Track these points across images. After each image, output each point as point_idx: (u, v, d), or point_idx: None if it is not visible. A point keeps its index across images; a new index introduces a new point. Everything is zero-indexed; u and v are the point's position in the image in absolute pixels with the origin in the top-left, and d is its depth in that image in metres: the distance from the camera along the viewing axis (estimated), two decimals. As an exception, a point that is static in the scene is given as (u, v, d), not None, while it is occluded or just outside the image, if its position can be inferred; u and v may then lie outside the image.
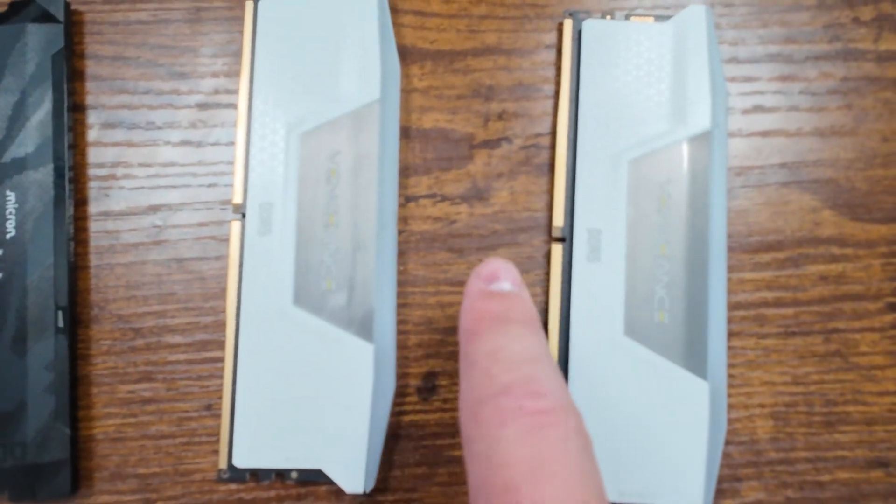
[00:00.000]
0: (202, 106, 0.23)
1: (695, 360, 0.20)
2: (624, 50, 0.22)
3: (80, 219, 0.22)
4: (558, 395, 0.15)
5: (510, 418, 0.14)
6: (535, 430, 0.14)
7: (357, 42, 0.22)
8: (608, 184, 0.21)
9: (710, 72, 0.21)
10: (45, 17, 0.23)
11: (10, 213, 0.22)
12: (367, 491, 0.20)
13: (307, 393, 0.21)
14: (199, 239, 0.22)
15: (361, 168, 0.21)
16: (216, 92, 0.23)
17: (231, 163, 0.23)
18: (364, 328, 0.21)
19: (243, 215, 0.22)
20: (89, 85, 0.23)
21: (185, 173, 0.23)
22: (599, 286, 0.21)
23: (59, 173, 0.22)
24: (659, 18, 0.22)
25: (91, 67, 0.23)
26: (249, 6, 0.23)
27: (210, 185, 0.23)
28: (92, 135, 0.23)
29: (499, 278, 0.17)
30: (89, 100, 0.23)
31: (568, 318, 0.21)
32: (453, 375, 0.21)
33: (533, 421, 0.14)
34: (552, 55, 0.23)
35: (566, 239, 0.21)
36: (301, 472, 0.20)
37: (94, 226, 0.23)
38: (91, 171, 0.23)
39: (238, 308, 0.21)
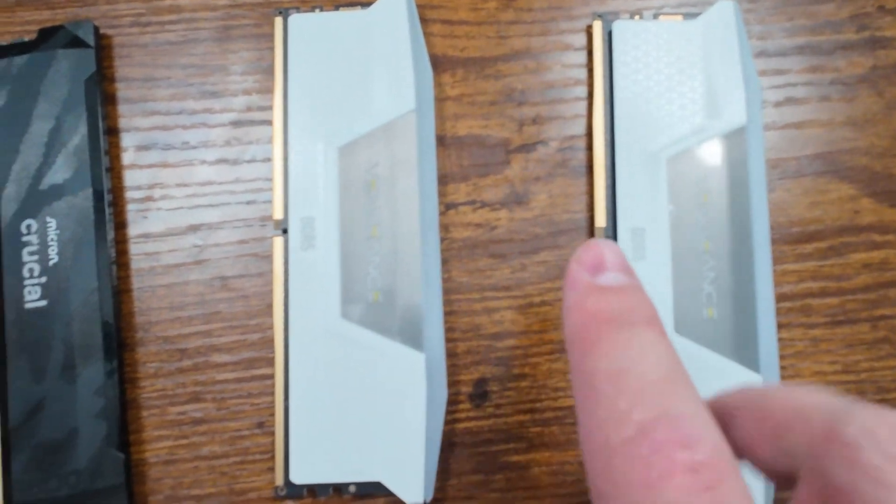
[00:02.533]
0: (236, 123, 0.23)
1: (746, 354, 0.20)
2: (654, 49, 0.22)
3: (120, 242, 0.22)
4: (712, 435, 0.11)
5: (660, 477, 0.11)
6: (700, 493, 0.11)
7: (389, 53, 0.22)
8: (648, 183, 0.21)
9: (742, 67, 0.22)
10: (75, 43, 0.23)
11: (52, 240, 0.22)
12: (427, 501, 0.20)
13: (360, 405, 0.21)
14: (240, 256, 0.22)
15: (401, 177, 0.21)
16: (249, 109, 0.23)
17: (268, 179, 0.23)
18: (413, 337, 0.21)
19: (284, 231, 0.22)
20: (121, 108, 0.23)
21: (223, 191, 0.23)
22: (647, 284, 0.21)
23: (98, 197, 0.22)
24: (687, 16, 0.23)
25: (122, 90, 0.23)
26: (279, 22, 0.23)
27: (248, 203, 0.23)
28: (127, 157, 0.23)
29: (606, 267, 0.14)
30: (122, 123, 0.23)
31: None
32: (504, 381, 0.21)
33: (693, 481, 0.11)
34: (582, 57, 0.23)
35: (609, 238, 0.21)
36: (359, 485, 0.20)
37: (133, 248, 0.22)
38: (128, 194, 0.23)
39: (286, 324, 0.21)
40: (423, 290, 0.21)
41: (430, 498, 0.20)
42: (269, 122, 0.23)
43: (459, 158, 0.23)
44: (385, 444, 0.20)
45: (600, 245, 0.14)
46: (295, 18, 0.23)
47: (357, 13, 0.23)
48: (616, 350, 0.13)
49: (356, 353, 0.21)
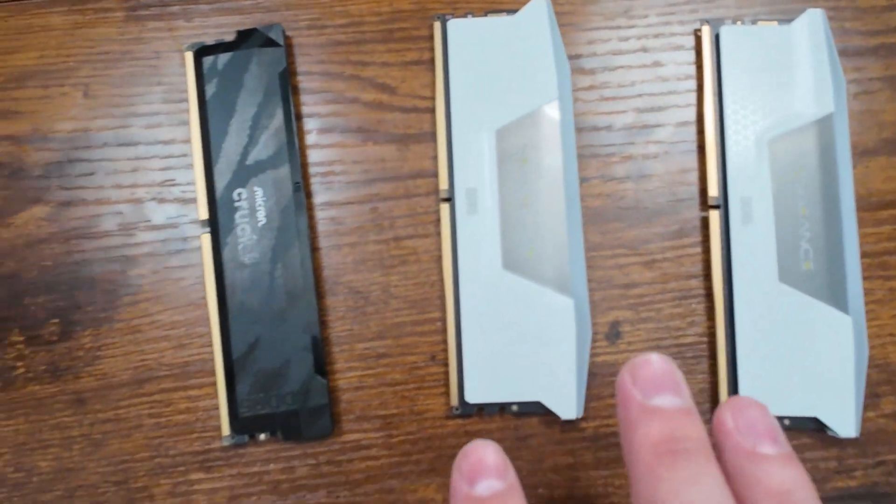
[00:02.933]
0: (403, 110, 0.27)
1: (838, 299, 0.25)
2: (756, 49, 0.27)
3: (308, 209, 0.27)
4: None
5: None
6: None
7: (534, 51, 0.26)
8: (754, 159, 0.26)
9: (830, 64, 0.26)
10: (268, 43, 0.27)
11: (260, 206, 0.26)
12: (579, 416, 0.24)
13: (521, 340, 0.25)
14: (409, 221, 0.27)
15: (547, 155, 0.26)
16: (413, 98, 0.27)
17: (432, 157, 0.27)
18: (563, 285, 0.25)
19: (448, 199, 0.26)
20: (304, 97, 0.28)
21: (393, 167, 0.27)
22: (754, 244, 0.25)
23: (294, 171, 0.26)
24: (781, 22, 0.27)
25: (304, 83, 0.28)
26: (437, 26, 0.27)
27: (414, 177, 0.27)
28: (310, 139, 0.27)
29: (481, 475, 0.16)
30: (306, 110, 0.27)
31: (730, 272, 0.25)
32: (633, 322, 0.26)
33: None
34: (690, 56, 0.27)
35: (720, 206, 0.26)
36: (521, 404, 0.25)
37: (319, 214, 0.27)
38: (312, 169, 0.27)
39: (455, 274, 0.26)
40: (568, 246, 0.25)
41: (581, 415, 0.24)
42: (430, 110, 0.27)
43: (591, 140, 0.27)
44: (543, 372, 0.25)
45: (477, 450, 0.16)
46: (453, 23, 0.27)
47: (504, 18, 0.27)
48: None
49: (516, 297, 0.25)
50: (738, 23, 0.27)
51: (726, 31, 0.27)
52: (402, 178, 0.27)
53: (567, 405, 0.25)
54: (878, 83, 0.27)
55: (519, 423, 0.26)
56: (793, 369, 0.25)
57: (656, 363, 0.16)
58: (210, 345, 0.26)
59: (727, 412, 0.16)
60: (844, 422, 0.25)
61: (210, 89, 0.27)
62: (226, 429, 0.25)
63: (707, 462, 0.15)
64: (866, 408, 0.25)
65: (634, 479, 0.15)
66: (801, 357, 0.25)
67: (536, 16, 0.27)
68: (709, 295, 0.26)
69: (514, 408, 0.25)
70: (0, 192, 0.27)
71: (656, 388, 0.15)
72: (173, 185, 0.27)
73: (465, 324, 0.25)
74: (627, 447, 0.15)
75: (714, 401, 0.25)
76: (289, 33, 0.28)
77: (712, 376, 0.26)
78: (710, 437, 0.16)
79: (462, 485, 0.16)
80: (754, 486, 0.15)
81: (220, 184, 0.26)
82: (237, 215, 0.26)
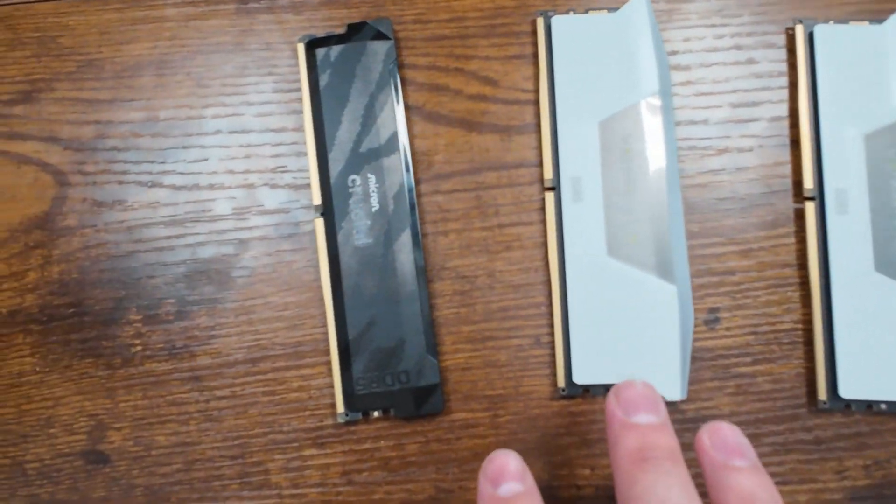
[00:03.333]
0: (505, 102, 0.28)
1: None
2: (849, 47, 0.28)
3: (417, 195, 0.28)
4: None
5: None
6: None
7: (636, 47, 0.27)
8: (851, 153, 0.27)
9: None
10: (378, 36, 0.28)
11: (373, 191, 0.27)
12: (683, 398, 0.25)
13: (626, 324, 0.26)
14: (513, 208, 0.28)
15: (650, 146, 0.27)
16: (515, 91, 0.28)
17: (534, 147, 0.28)
18: (666, 272, 0.26)
19: (552, 188, 0.27)
20: (410, 89, 0.29)
21: (497, 157, 0.28)
22: (849, 234, 0.26)
23: (405, 159, 0.27)
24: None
25: (410, 75, 0.29)
26: (541, 22, 0.28)
27: (517, 166, 0.28)
28: (417, 128, 0.28)
29: (504, 479, 0.19)
30: (411, 101, 0.29)
31: (826, 262, 0.26)
32: (731, 309, 0.27)
33: None
34: (782, 54, 0.28)
35: (816, 198, 0.27)
36: (625, 386, 0.26)
37: (425, 201, 0.28)
38: (419, 158, 0.28)
39: (561, 260, 0.27)
40: (670, 234, 0.26)
41: (685, 396, 0.25)
42: (532, 102, 0.28)
43: (688, 133, 0.28)
44: (647, 355, 0.26)
45: (501, 457, 0.19)
46: (557, 19, 0.28)
47: (606, 16, 0.28)
48: None
49: (620, 283, 0.26)
50: (831, 22, 0.28)
51: (820, 30, 0.28)
52: (505, 167, 0.28)
53: (672, 387, 0.25)
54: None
55: (622, 404, 0.26)
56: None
57: (637, 387, 0.20)
58: (322, 325, 0.27)
59: (705, 434, 0.19)
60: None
61: (324, 80, 0.28)
62: (340, 406, 0.26)
63: (674, 466, 0.18)
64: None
65: (616, 483, 0.18)
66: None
67: (637, 13, 0.28)
68: (804, 283, 0.27)
69: (619, 389, 0.26)
70: (117, 175, 0.28)
71: (636, 407, 0.19)
72: (285, 171, 0.28)
73: (571, 308, 0.26)
74: (612, 456, 0.19)
75: (811, 384, 0.26)
76: (396, 27, 0.29)
77: (808, 362, 0.27)
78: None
79: (487, 487, 0.19)
80: (727, 492, 0.18)
81: (335, 170, 0.27)
82: (351, 201, 0.27)
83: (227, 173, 0.28)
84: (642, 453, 0.18)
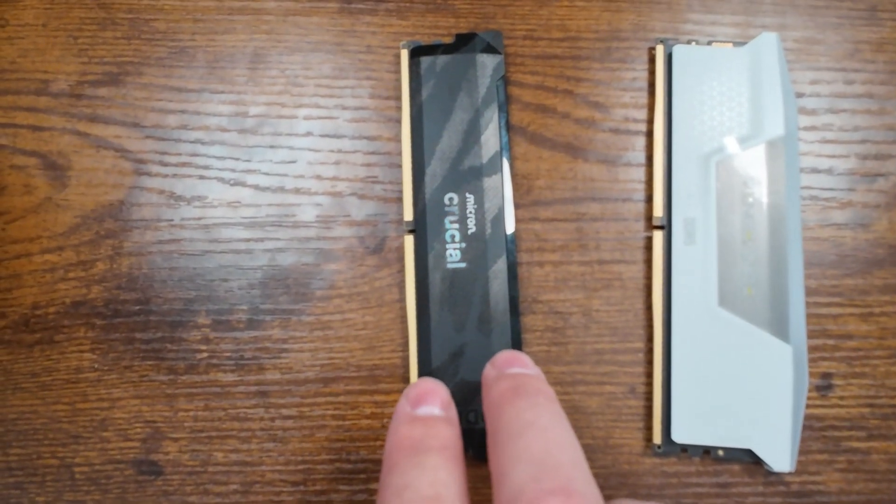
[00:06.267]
0: (614, 131, 0.27)
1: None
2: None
3: (516, 220, 0.26)
4: None
5: None
6: None
7: (762, 85, 0.26)
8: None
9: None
10: (489, 49, 0.27)
11: (470, 213, 0.25)
12: (792, 470, 0.23)
13: (733, 382, 0.24)
14: (616, 245, 0.26)
15: (772, 192, 0.25)
16: (626, 120, 0.27)
17: (641, 181, 0.26)
18: (781, 330, 0.24)
19: (662, 227, 0.25)
20: (514, 108, 0.27)
21: (602, 188, 0.26)
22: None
23: (506, 181, 0.26)
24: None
25: (516, 93, 0.27)
26: (660, 49, 0.27)
27: (623, 200, 0.26)
28: (519, 150, 0.27)
29: (426, 401, 0.17)
30: (515, 120, 0.27)
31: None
32: (846, 376, 0.25)
33: None
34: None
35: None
36: (727, 450, 0.24)
37: (522, 227, 0.26)
38: (518, 181, 0.26)
39: (667, 306, 0.25)
40: (790, 290, 0.24)
41: (794, 468, 0.23)
42: (644, 133, 0.27)
43: (810, 182, 0.26)
44: (755, 419, 0.24)
45: (426, 383, 0.18)
46: (679, 48, 0.26)
47: (731, 49, 0.26)
48: (406, 470, 0.16)
49: (731, 336, 0.24)
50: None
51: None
52: (610, 199, 0.26)
53: (780, 456, 0.23)
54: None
55: (721, 468, 0.24)
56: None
57: (426, 382, 0.18)
58: (403, 350, 0.25)
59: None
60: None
61: (427, 90, 0.26)
62: (417, 439, 0.24)
63: (439, 457, 0.16)
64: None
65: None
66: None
67: (766, 50, 0.26)
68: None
69: (721, 452, 0.24)
70: (199, 169, 0.27)
71: (422, 400, 0.18)
72: (375, 181, 0.27)
73: (675, 358, 0.24)
74: (384, 452, 0.17)
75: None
76: (505, 42, 0.27)
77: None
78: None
79: (405, 405, 0.18)
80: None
81: (431, 186, 0.26)
82: (447, 220, 0.25)
83: (314, 178, 0.27)
84: (414, 441, 0.17)
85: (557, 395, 0.25)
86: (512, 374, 0.18)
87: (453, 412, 0.18)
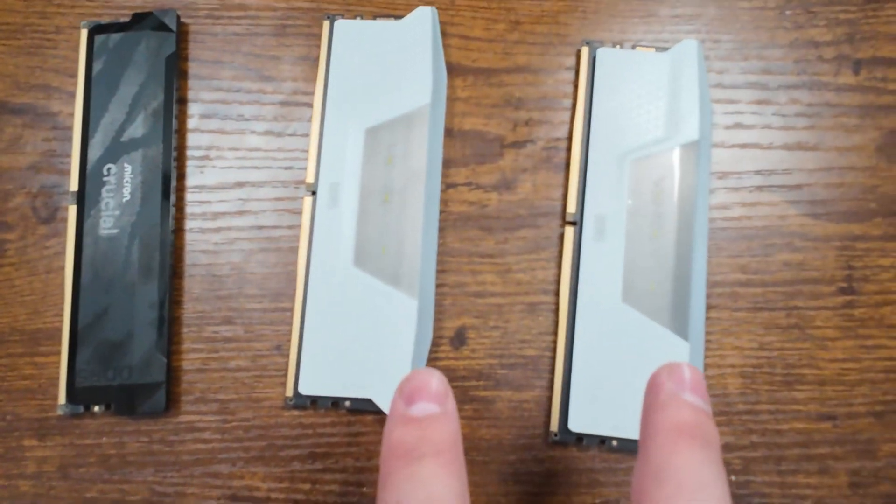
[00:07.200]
0: (283, 104, 0.28)
1: (679, 325, 0.25)
2: (629, 73, 0.27)
3: (179, 190, 0.27)
4: None
5: None
6: None
7: (414, 57, 0.27)
8: (614, 179, 0.26)
9: (699, 93, 0.26)
10: (161, 27, 0.28)
11: (127, 182, 0.27)
12: (408, 417, 0.24)
13: (363, 337, 0.25)
14: (275, 211, 0.27)
15: (412, 157, 0.26)
16: (295, 93, 0.28)
17: (305, 150, 0.28)
18: (410, 287, 0.25)
19: (313, 193, 0.27)
20: (191, 83, 0.28)
21: (267, 157, 0.28)
22: (603, 261, 0.25)
23: (166, 152, 0.27)
24: (659, 49, 0.27)
25: (193, 69, 0.28)
26: (326, 25, 0.28)
27: (287, 168, 0.27)
28: (192, 123, 0.28)
29: (420, 398, 0.16)
30: (191, 94, 0.28)
31: (577, 287, 0.25)
32: (480, 330, 0.26)
33: None
34: (571, 75, 0.28)
35: (577, 223, 0.26)
36: (353, 400, 0.25)
37: (189, 196, 0.27)
38: (189, 153, 0.28)
39: (307, 267, 0.26)
40: (421, 249, 0.25)
41: (410, 416, 0.24)
42: (310, 105, 0.28)
43: (462, 148, 0.27)
44: (379, 370, 0.25)
45: (419, 377, 0.17)
46: (340, 23, 0.28)
47: (391, 23, 0.28)
48: (399, 484, 0.15)
49: (363, 295, 0.25)
50: (618, 47, 0.28)
51: (602, 54, 0.27)
52: (272, 168, 0.28)
53: (398, 404, 0.24)
54: (750, 117, 0.27)
55: (352, 419, 0.25)
56: (626, 391, 0.25)
57: (419, 375, 0.17)
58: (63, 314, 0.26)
59: (664, 370, 0.17)
60: None
61: (97, 66, 0.27)
62: (62, 398, 0.25)
63: (434, 464, 0.16)
64: (699, 437, 0.25)
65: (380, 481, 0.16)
66: (635, 379, 0.25)
67: (421, 22, 0.27)
68: (557, 309, 0.26)
69: (347, 403, 0.25)
70: None
71: (415, 397, 0.17)
72: (53, 155, 0.28)
73: (308, 316, 0.25)
74: (380, 459, 0.17)
75: (548, 414, 0.25)
76: (186, 20, 0.29)
77: (549, 391, 0.25)
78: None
79: (399, 404, 0.17)
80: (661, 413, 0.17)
81: (92, 157, 0.27)
82: (104, 189, 0.26)
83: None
84: (407, 448, 0.16)
85: (207, 353, 0.26)
86: (692, 405, 0.16)
87: (451, 404, 0.17)
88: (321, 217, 0.26)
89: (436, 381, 0.17)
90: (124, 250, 0.26)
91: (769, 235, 0.26)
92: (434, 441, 0.16)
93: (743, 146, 0.27)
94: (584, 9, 0.28)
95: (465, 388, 0.26)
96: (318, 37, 0.28)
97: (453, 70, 0.28)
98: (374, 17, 0.28)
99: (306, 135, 0.28)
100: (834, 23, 0.28)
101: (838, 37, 0.28)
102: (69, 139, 0.28)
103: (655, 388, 0.17)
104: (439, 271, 0.26)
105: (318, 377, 0.25)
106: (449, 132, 0.28)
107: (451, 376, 0.26)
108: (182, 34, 0.29)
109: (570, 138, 0.27)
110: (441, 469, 0.15)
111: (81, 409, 0.25)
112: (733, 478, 0.25)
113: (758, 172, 0.27)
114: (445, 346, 0.26)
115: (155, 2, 0.29)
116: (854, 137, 0.27)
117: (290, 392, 0.25)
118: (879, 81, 0.27)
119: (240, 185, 0.27)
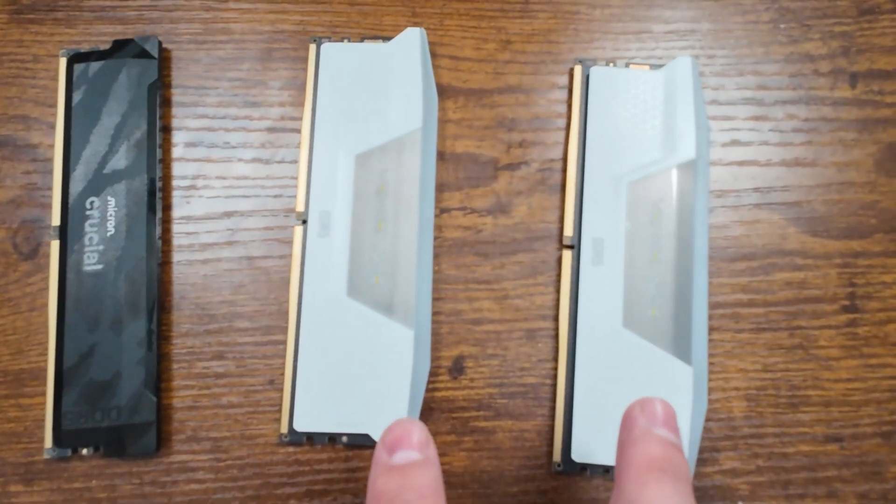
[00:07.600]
0: (270, 130, 0.27)
1: (681, 349, 0.24)
2: (624, 92, 0.26)
3: (166, 221, 0.27)
4: None
5: None
6: None
7: (403, 80, 0.26)
8: (610, 201, 0.25)
9: (695, 111, 0.26)
10: (143, 54, 0.27)
11: (111, 215, 0.26)
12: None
13: (358, 370, 0.24)
14: (265, 240, 0.26)
15: (405, 183, 0.26)
16: (282, 118, 0.27)
17: (294, 178, 0.27)
18: (405, 317, 0.25)
19: (304, 221, 0.26)
20: (175, 110, 0.28)
21: (255, 185, 0.27)
22: (602, 286, 0.25)
23: (151, 183, 0.26)
24: (653, 67, 0.27)
25: (177, 96, 0.28)
26: (312, 48, 0.27)
27: (276, 196, 0.27)
28: (177, 152, 0.27)
29: (401, 446, 0.17)
30: (175, 122, 0.27)
31: (576, 313, 0.25)
32: (479, 358, 0.25)
33: None
34: (564, 94, 0.27)
35: (574, 246, 0.25)
36: (350, 436, 0.24)
37: (176, 228, 0.27)
38: (175, 182, 0.27)
39: (300, 298, 0.25)
40: (416, 277, 0.25)
41: (409, 450, 0.24)
42: (299, 131, 0.27)
43: (456, 171, 0.27)
44: (376, 403, 0.24)
45: (402, 426, 0.17)
46: (326, 46, 0.27)
47: (378, 45, 0.27)
48: None
49: (357, 325, 0.25)
50: (611, 64, 0.27)
51: (596, 72, 0.27)
52: (261, 196, 0.27)
53: (396, 439, 0.24)
54: (747, 134, 0.27)
55: (350, 454, 0.25)
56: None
57: (401, 424, 0.18)
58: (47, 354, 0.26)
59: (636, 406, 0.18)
60: None
61: (77, 96, 0.27)
62: (48, 441, 0.24)
63: None
64: (704, 462, 0.24)
65: None
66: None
67: (409, 44, 0.27)
68: (557, 335, 0.25)
69: (344, 439, 0.24)
70: None
71: (398, 445, 0.17)
72: (34, 189, 0.27)
73: (302, 349, 0.25)
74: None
75: (550, 443, 0.25)
76: (168, 46, 0.28)
77: (550, 420, 0.25)
78: None
79: (382, 454, 0.17)
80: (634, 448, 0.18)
81: (74, 191, 0.26)
82: (87, 224, 0.26)
83: (-27, 187, 0.27)
84: (391, 495, 0.16)
85: (198, 390, 0.25)
86: (663, 440, 0.17)
87: (432, 451, 0.17)
88: (312, 246, 0.26)
89: (417, 430, 0.17)
90: (110, 286, 0.25)
91: (769, 254, 0.26)
92: (416, 487, 0.16)
93: (741, 163, 0.27)
94: (575, 27, 0.28)
95: (465, 419, 0.25)
96: (305, 60, 0.28)
97: (444, 91, 0.28)
98: (362, 39, 0.27)
99: (295, 161, 0.27)
100: (829, 36, 0.27)
101: (833, 50, 0.27)
102: (50, 172, 0.27)
103: (629, 423, 0.18)
104: (435, 299, 0.26)
105: (313, 412, 0.24)
106: (441, 155, 0.27)
107: (450, 407, 0.25)
108: (164, 60, 0.28)
109: (564, 159, 0.27)
110: None
111: (69, 452, 0.24)
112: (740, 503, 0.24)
113: (756, 190, 0.27)
114: (443, 376, 0.25)
115: (136, 28, 0.28)
116: (852, 152, 0.27)
117: (284, 428, 0.24)
118: (876, 94, 0.27)
119: (228, 214, 0.27)
